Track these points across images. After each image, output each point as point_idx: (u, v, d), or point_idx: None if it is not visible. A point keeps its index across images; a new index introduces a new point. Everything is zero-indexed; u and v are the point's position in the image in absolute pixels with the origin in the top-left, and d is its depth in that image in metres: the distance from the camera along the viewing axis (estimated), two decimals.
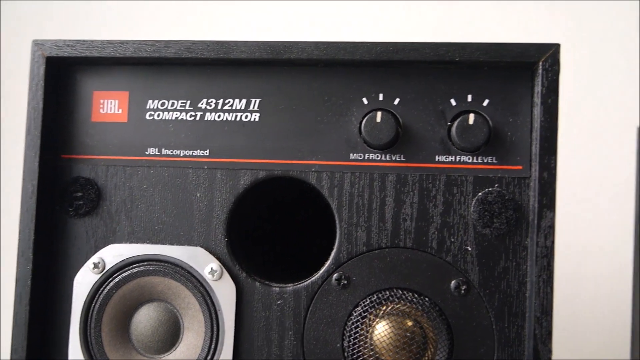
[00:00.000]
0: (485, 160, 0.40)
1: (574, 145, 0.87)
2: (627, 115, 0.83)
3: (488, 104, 0.40)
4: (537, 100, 0.39)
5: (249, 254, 0.44)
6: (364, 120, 0.40)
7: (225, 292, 0.41)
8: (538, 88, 0.39)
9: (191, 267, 0.41)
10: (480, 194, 0.40)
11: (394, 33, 0.94)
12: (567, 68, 0.92)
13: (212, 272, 0.41)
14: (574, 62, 0.92)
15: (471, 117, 0.39)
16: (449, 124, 0.40)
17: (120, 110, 0.43)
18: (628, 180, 0.74)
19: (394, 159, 0.41)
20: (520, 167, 0.40)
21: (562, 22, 0.93)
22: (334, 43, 0.40)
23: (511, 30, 0.92)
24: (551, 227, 0.38)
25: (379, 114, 0.40)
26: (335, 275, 0.41)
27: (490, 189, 0.40)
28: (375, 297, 0.40)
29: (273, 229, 0.51)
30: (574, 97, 0.91)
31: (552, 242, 0.38)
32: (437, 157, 0.41)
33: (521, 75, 0.40)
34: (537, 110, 0.39)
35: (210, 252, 0.41)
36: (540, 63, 0.38)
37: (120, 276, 0.42)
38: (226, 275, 0.41)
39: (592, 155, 0.86)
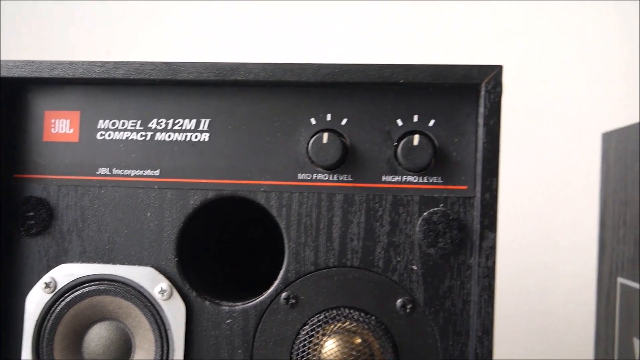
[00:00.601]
0: (431, 180, 0.41)
1: (542, 151, 0.88)
2: (592, 122, 0.84)
3: (434, 124, 0.41)
4: (480, 121, 0.39)
5: (200, 274, 0.44)
6: (311, 141, 0.41)
7: (174, 312, 0.41)
8: (481, 109, 0.39)
9: (141, 286, 0.42)
10: (425, 213, 0.40)
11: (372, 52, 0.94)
12: (536, 77, 0.93)
13: (162, 291, 0.41)
14: (541, 71, 0.92)
15: (416, 138, 0.40)
16: (395, 144, 0.41)
17: (71, 130, 0.43)
18: (592, 184, 0.74)
19: (341, 179, 0.41)
20: (465, 187, 0.40)
21: (530, 28, 0.93)
22: (280, 65, 0.40)
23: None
24: (492, 248, 0.39)
25: (325, 135, 0.40)
26: (283, 295, 0.41)
27: (435, 208, 0.40)
28: (323, 315, 0.41)
29: (225, 248, 0.52)
30: (542, 105, 0.92)
31: (494, 263, 0.39)
32: (383, 177, 0.41)
33: (466, 96, 0.40)
34: (481, 132, 0.39)
35: (161, 272, 0.42)
36: (483, 85, 0.39)
37: (71, 295, 0.42)
38: (176, 295, 0.42)
39: (560, 159, 0.86)
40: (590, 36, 0.93)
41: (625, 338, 0.60)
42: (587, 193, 0.82)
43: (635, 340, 0.58)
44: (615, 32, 0.93)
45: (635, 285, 0.58)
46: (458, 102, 0.40)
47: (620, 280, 0.62)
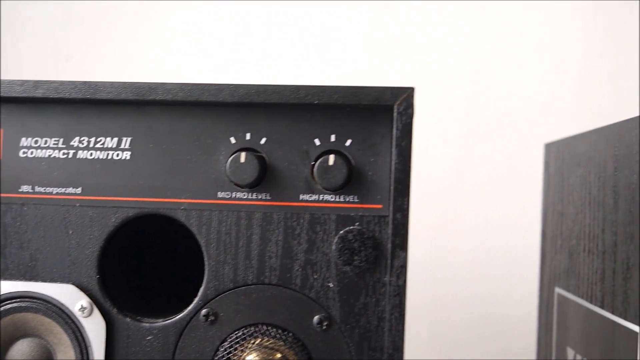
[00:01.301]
0: (347, 199, 0.41)
1: (488, 160, 0.90)
2: (535, 133, 0.85)
3: (351, 144, 0.41)
4: (393, 142, 0.40)
5: (123, 291, 0.45)
6: (229, 161, 0.41)
7: (95, 328, 0.42)
8: (394, 131, 0.40)
9: (62, 304, 0.42)
10: (341, 232, 0.41)
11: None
12: (479, 90, 0.94)
13: (82, 309, 0.42)
14: (485, 85, 0.94)
15: (331, 158, 0.40)
16: (312, 163, 0.41)
17: None
18: (536, 193, 0.76)
19: (260, 197, 0.42)
20: (380, 206, 0.41)
21: (477, 36, 0.94)
22: (198, 85, 0.41)
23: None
24: (403, 267, 0.39)
25: (242, 154, 0.41)
26: (203, 312, 0.42)
27: (351, 227, 0.41)
28: (241, 332, 0.41)
29: (149, 265, 0.52)
30: (487, 116, 0.93)
31: (404, 281, 0.39)
32: (301, 196, 0.42)
33: (381, 117, 0.41)
34: (393, 152, 0.40)
35: (82, 289, 0.42)
36: (395, 106, 0.40)
37: None
38: (96, 312, 0.42)
39: (504, 169, 0.88)
40: (540, 49, 0.95)
41: (561, 347, 0.61)
42: (531, 200, 0.83)
43: (569, 350, 0.59)
44: (563, 42, 0.94)
45: (569, 295, 0.59)
46: (373, 123, 0.41)
47: (557, 290, 0.63)
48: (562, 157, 0.64)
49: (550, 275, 0.66)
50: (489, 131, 0.93)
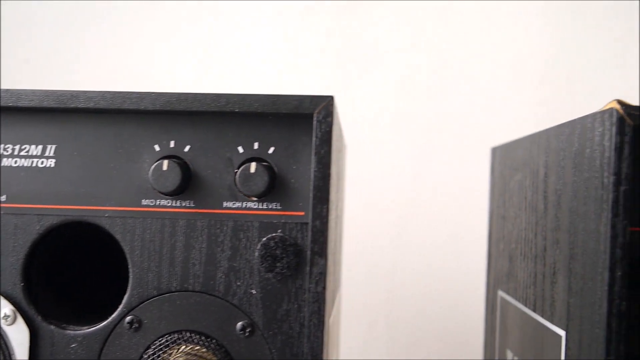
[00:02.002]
0: (270, 206, 0.42)
1: (435, 165, 0.90)
2: (482, 137, 0.86)
3: (273, 151, 0.42)
4: (313, 150, 0.40)
5: (49, 299, 0.45)
6: (152, 168, 0.41)
7: (18, 336, 0.42)
8: (313, 139, 0.40)
9: None
10: (264, 239, 0.41)
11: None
12: (428, 95, 0.95)
13: (5, 317, 0.42)
14: (428, 88, 0.95)
15: (252, 166, 0.41)
16: (235, 170, 0.42)
17: None
18: (482, 195, 0.76)
19: (184, 204, 0.42)
20: (302, 213, 0.41)
21: (435, 42, 0.95)
22: (120, 93, 0.41)
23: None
24: (322, 274, 0.40)
25: (165, 162, 0.41)
26: (127, 319, 0.42)
27: (273, 234, 0.41)
28: (165, 339, 0.42)
29: (75, 272, 0.52)
30: (434, 121, 0.94)
31: (323, 288, 0.40)
32: (224, 203, 0.42)
33: (302, 125, 0.41)
34: (312, 160, 0.40)
35: (6, 297, 0.42)
36: (315, 115, 0.40)
37: None
38: (20, 320, 0.42)
39: (451, 173, 0.89)
40: (486, 54, 0.95)
41: (502, 349, 0.62)
42: (478, 202, 0.84)
43: (508, 352, 0.60)
44: (519, 45, 0.95)
45: (508, 298, 0.60)
46: (295, 131, 0.41)
47: (499, 292, 0.64)
48: (504, 162, 0.65)
49: (495, 278, 0.67)
50: (446, 135, 0.93)
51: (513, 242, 0.60)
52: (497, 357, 0.64)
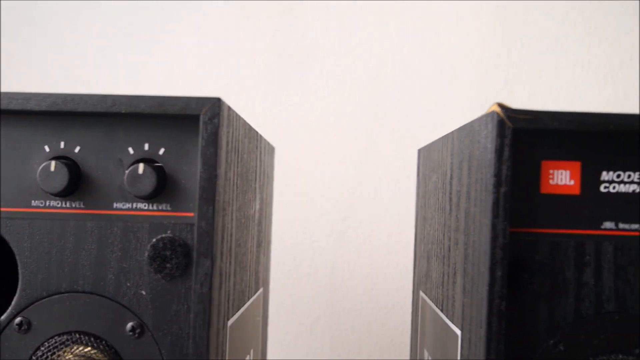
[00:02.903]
0: (160, 207, 0.42)
1: (375, 166, 0.91)
2: (421, 138, 0.87)
3: (164, 152, 0.42)
4: (199, 151, 0.40)
5: None
6: (39, 169, 0.41)
7: None
8: (199, 140, 0.40)
9: None
10: (153, 240, 0.41)
11: None
12: (368, 97, 0.95)
13: None
14: (368, 90, 0.95)
15: (140, 167, 0.41)
16: (127, 171, 0.42)
17: None
18: (410, 195, 0.77)
19: (74, 205, 0.42)
20: (191, 214, 0.41)
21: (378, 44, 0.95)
22: (7, 94, 0.41)
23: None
24: (207, 275, 0.40)
25: (52, 163, 0.41)
26: (16, 320, 0.42)
27: (163, 235, 0.41)
28: (54, 340, 0.41)
29: None
30: (375, 122, 0.95)
31: (209, 289, 0.40)
32: (115, 204, 0.42)
33: (192, 126, 0.41)
34: (199, 161, 0.40)
35: None
36: (201, 116, 0.40)
37: None
38: None
39: (390, 174, 0.89)
40: (438, 46, 0.96)
41: (422, 348, 0.63)
42: (405, 203, 0.85)
43: (425, 352, 0.60)
44: (461, 46, 0.96)
45: (426, 298, 0.61)
46: (185, 132, 0.41)
47: (420, 293, 0.65)
48: (425, 163, 0.65)
49: (417, 279, 0.68)
50: (386, 136, 0.94)
51: (430, 242, 0.60)
52: (417, 357, 0.65)
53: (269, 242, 0.68)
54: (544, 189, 0.41)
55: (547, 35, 0.97)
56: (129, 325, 0.41)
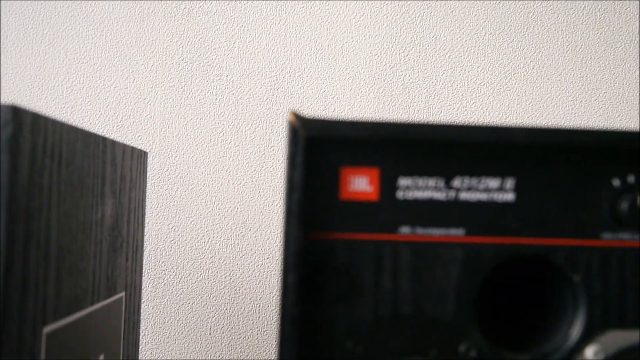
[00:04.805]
0: None
1: (264, 170, 0.92)
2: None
3: None
4: None
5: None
6: None
7: None
8: None
9: None
10: None
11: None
12: (267, 100, 0.96)
13: None
14: (266, 94, 0.96)
15: None
16: None
17: None
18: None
19: None
20: None
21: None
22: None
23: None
24: None
25: None
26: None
27: None
28: None
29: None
30: (273, 126, 0.96)
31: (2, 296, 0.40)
32: None
33: None
34: None
35: None
36: None
37: None
38: None
39: (278, 178, 0.90)
40: (338, 48, 0.97)
41: None
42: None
43: None
44: (360, 49, 0.98)
45: None
46: None
47: None
48: None
49: None
50: (284, 141, 0.95)
51: None
52: None
53: (137, 247, 0.68)
54: (343, 195, 0.42)
55: (445, 41, 0.99)
56: None
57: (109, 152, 0.57)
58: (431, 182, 0.42)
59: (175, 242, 0.96)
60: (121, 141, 0.62)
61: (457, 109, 0.98)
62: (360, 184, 0.42)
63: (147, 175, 0.88)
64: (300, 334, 0.40)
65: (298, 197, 0.40)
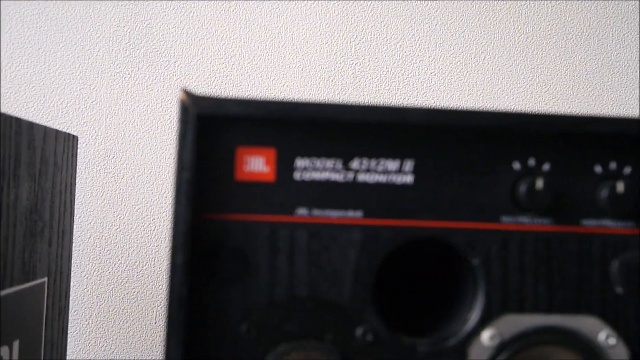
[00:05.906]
0: None
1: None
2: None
3: None
4: None
5: None
6: None
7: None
8: None
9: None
10: None
11: None
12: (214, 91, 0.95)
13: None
14: (214, 84, 0.95)
15: None
16: None
17: None
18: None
19: None
20: None
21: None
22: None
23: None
24: None
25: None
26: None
27: None
28: None
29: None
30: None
31: None
32: None
33: None
34: None
35: None
36: None
37: None
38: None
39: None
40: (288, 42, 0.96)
41: None
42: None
43: None
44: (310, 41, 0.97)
45: None
46: None
47: None
48: None
49: None
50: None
51: None
52: None
53: (64, 232, 0.67)
54: (239, 176, 0.41)
55: (396, 30, 0.98)
56: None
57: (25, 134, 0.56)
58: (329, 163, 0.41)
59: (120, 230, 0.95)
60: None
61: (408, 98, 0.98)
62: (257, 164, 0.41)
63: (85, 160, 0.87)
64: (191, 316, 0.39)
65: (187, 176, 0.39)
